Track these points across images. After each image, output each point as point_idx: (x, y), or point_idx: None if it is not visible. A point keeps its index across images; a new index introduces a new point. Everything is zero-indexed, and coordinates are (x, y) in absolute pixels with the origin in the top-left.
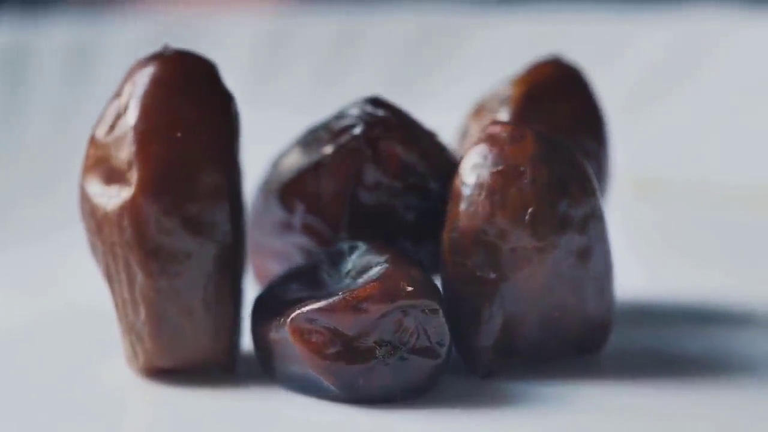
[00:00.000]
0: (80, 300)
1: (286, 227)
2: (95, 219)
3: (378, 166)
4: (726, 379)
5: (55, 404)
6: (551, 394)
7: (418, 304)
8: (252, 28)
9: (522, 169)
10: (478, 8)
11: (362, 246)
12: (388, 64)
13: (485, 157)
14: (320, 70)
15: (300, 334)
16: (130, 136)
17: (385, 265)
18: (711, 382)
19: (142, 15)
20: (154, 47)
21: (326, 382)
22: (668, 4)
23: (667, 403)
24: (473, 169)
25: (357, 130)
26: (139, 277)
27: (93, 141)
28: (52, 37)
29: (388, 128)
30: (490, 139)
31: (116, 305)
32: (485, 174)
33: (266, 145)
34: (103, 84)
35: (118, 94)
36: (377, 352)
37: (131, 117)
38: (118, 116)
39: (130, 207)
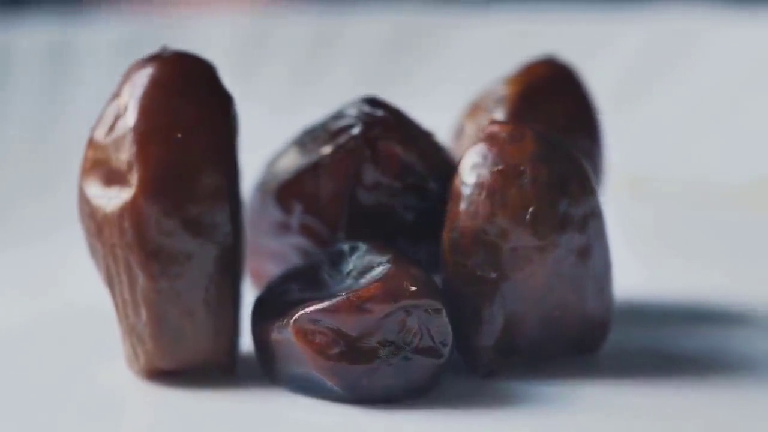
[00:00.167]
0: (80, 300)
1: (284, 228)
2: (95, 221)
3: (377, 167)
4: (723, 377)
5: (55, 405)
6: (552, 394)
7: (422, 304)
8: (230, 28)
9: (522, 168)
10: (456, 8)
11: (363, 246)
12: (367, 64)
13: (485, 157)
14: (299, 69)
15: (303, 334)
16: (130, 138)
17: (388, 265)
18: (708, 381)
19: (121, 15)
20: (134, 47)
21: (329, 383)
22: (649, 3)
23: (667, 402)
24: (473, 169)
25: (356, 131)
26: (140, 279)
27: (91, 142)
28: (31, 37)
29: (386, 128)
30: (490, 139)
31: (117, 307)
32: (485, 174)
33: (245, 144)
34: (84, 83)
35: (116, 96)
36: (381, 352)
37: (131, 118)
38: (117, 117)
39: (131, 208)
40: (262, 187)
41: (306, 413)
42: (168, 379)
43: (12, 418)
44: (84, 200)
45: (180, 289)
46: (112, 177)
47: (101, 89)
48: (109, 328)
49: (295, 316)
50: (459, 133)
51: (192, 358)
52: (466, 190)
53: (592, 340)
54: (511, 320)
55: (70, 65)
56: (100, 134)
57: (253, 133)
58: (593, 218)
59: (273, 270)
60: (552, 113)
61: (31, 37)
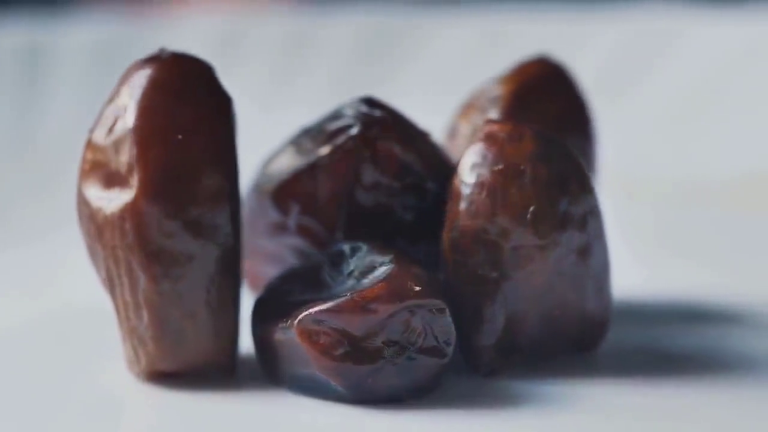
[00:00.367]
0: (79, 300)
1: (280, 228)
2: (95, 223)
3: (376, 167)
4: (719, 375)
5: (54, 405)
6: (553, 393)
7: (426, 304)
8: (207, 29)
9: (522, 168)
10: (434, 9)
11: (364, 246)
12: (343, 65)
13: (485, 157)
14: (276, 70)
15: (308, 335)
16: (130, 139)
17: (391, 265)
18: (705, 378)
19: (99, 15)
20: (111, 47)
21: (333, 383)
22: (628, 2)
23: (665, 400)
24: (473, 169)
25: (354, 131)
26: (142, 281)
27: (90, 144)
28: (8, 38)
29: (385, 128)
30: (489, 139)
31: (117, 309)
32: (486, 173)
33: None
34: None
35: (114, 97)
36: (385, 352)
37: (130, 120)
38: (117, 119)
39: (132, 210)
40: (257, 188)
41: (307, 414)
42: (168, 380)
43: (12, 419)
44: (83, 202)
45: (182, 290)
46: (113, 178)
47: (80, 90)
48: (109, 329)
49: (299, 316)
50: (453, 132)
51: (193, 360)
52: (466, 190)
53: (591, 338)
54: (512, 319)
55: (47, 66)
56: (99, 136)
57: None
58: (592, 217)
59: (269, 271)
60: (545, 112)
61: (10, 37)
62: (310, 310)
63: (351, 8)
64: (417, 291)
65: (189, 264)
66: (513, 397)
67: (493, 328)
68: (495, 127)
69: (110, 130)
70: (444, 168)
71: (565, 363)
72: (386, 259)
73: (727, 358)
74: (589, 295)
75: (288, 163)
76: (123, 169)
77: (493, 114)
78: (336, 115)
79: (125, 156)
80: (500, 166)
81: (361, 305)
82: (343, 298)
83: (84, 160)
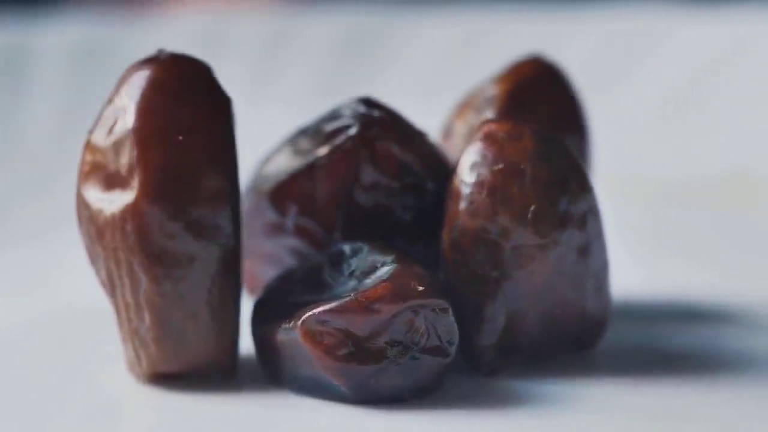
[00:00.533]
0: (79, 301)
1: (278, 229)
2: (96, 225)
3: (375, 167)
4: (717, 373)
5: (54, 405)
6: (554, 392)
7: (429, 304)
8: (190, 28)
9: (522, 167)
10: (415, 9)
11: (365, 246)
12: (326, 65)
13: (484, 156)
14: (257, 70)
15: (311, 336)
16: (130, 140)
17: (393, 265)
18: (702, 377)
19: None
20: (92, 47)
21: (336, 383)
22: (610, 2)
23: (663, 399)
24: (473, 168)
25: (353, 131)
26: (143, 282)
27: (89, 146)
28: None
29: (384, 128)
30: (488, 138)
31: (118, 311)
32: (485, 173)
33: None
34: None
35: (113, 98)
36: (388, 352)
37: (130, 121)
38: (116, 120)
39: (133, 211)
40: (255, 189)
41: (308, 414)
42: (169, 382)
43: (12, 419)
44: (83, 204)
45: (183, 291)
46: (113, 180)
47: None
48: (109, 329)
49: (303, 317)
50: (448, 132)
51: (194, 361)
52: (465, 190)
53: (590, 337)
54: (513, 319)
55: (30, 66)
56: (98, 137)
57: None
58: (592, 216)
59: (266, 271)
60: (540, 111)
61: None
62: (314, 311)
63: (336, 8)
64: (420, 291)
65: (190, 265)
66: (514, 396)
67: (493, 328)
68: (494, 127)
69: (110, 131)
70: (443, 168)
71: (565, 362)
72: (388, 259)
73: (725, 356)
74: (588, 293)
75: (285, 163)
76: (123, 170)
77: (489, 113)
78: (334, 116)
79: (125, 157)
80: (500, 166)
81: (364, 305)
82: (346, 299)
83: (83, 161)
